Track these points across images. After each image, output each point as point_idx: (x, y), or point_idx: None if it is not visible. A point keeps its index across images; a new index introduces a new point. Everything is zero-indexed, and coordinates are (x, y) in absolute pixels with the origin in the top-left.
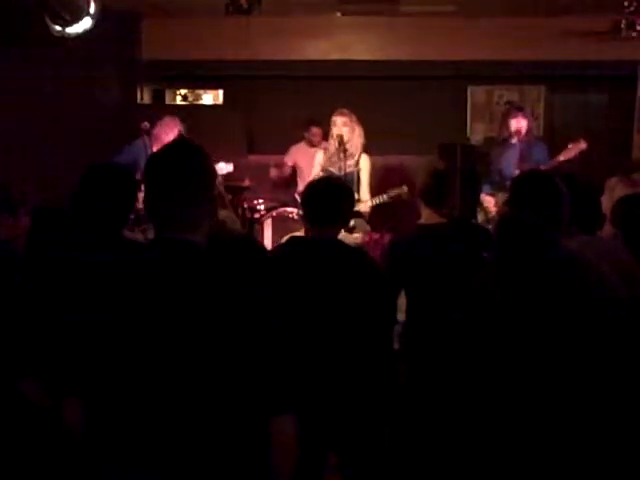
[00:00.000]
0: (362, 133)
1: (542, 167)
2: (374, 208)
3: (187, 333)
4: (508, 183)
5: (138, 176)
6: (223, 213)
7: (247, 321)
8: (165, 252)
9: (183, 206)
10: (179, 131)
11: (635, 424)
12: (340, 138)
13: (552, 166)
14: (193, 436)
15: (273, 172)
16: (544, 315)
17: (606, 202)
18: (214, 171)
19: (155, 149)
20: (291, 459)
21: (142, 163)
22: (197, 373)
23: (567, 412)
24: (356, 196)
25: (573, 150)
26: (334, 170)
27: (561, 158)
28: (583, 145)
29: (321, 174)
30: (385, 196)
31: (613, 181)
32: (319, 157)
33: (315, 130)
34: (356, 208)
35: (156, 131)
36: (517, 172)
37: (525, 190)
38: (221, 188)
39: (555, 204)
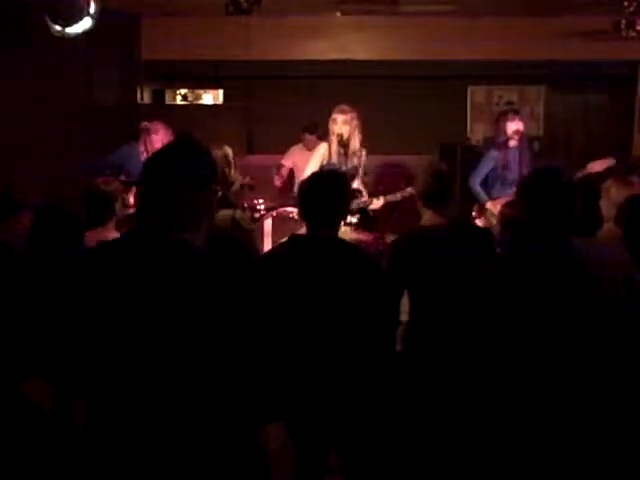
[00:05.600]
0: (360, 127)
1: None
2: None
3: (180, 334)
4: (511, 187)
5: (123, 178)
6: (238, 212)
7: (237, 327)
8: (161, 252)
9: (182, 204)
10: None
11: (634, 423)
12: (340, 137)
13: (579, 177)
14: (185, 441)
15: (277, 181)
16: (549, 314)
17: (603, 204)
18: (214, 170)
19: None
20: (284, 464)
21: (133, 166)
22: (187, 375)
23: (569, 410)
24: (362, 190)
25: (602, 164)
26: (337, 163)
27: (589, 170)
28: (612, 162)
29: (319, 168)
30: (399, 195)
31: (608, 182)
32: (321, 150)
33: (309, 137)
34: (368, 204)
35: (151, 138)
36: (518, 176)
37: (540, 187)
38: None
39: (570, 203)
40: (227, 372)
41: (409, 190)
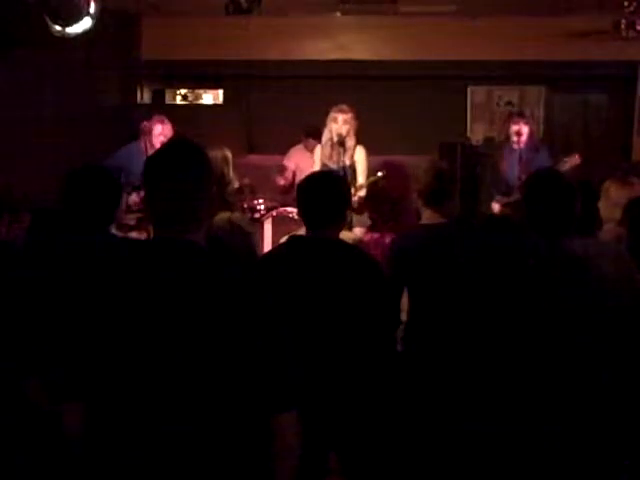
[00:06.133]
0: (356, 127)
1: None
2: (372, 204)
3: (187, 332)
4: (511, 187)
5: (123, 179)
6: (235, 215)
7: (248, 319)
8: (165, 252)
9: (182, 204)
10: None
11: (633, 423)
12: (340, 136)
13: None
14: (195, 434)
15: (280, 181)
16: (548, 314)
17: (602, 204)
18: (212, 170)
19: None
20: (294, 458)
21: (135, 166)
22: (197, 372)
23: (569, 411)
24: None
25: (568, 164)
26: (332, 165)
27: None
28: (577, 160)
29: (318, 169)
30: (364, 182)
31: (608, 183)
32: (318, 153)
33: (312, 141)
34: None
35: (150, 137)
36: (520, 177)
37: (541, 188)
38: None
39: (570, 202)
40: (242, 366)
41: (372, 178)
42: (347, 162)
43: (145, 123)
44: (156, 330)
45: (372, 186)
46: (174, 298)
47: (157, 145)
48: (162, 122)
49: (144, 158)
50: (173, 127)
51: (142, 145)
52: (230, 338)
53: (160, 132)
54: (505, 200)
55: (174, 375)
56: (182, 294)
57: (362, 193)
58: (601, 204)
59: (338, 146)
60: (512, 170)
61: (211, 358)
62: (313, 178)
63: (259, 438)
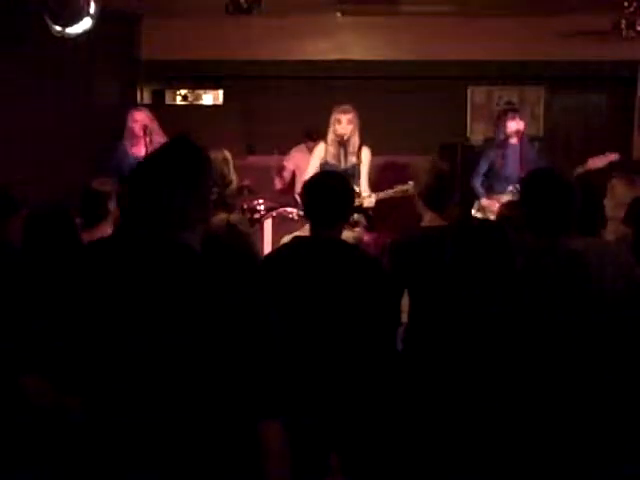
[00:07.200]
0: (359, 126)
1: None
2: (377, 203)
3: (178, 333)
4: (511, 186)
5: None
6: (233, 216)
7: (238, 325)
8: (160, 253)
9: (179, 204)
10: (143, 120)
11: (633, 420)
12: (341, 137)
13: (579, 173)
14: (184, 438)
15: (278, 183)
16: (545, 315)
17: (608, 203)
18: (212, 171)
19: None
20: (281, 462)
21: (125, 166)
22: (185, 374)
23: (568, 411)
24: (356, 189)
25: (603, 160)
26: (335, 163)
27: (590, 166)
28: (614, 157)
29: (319, 168)
30: (391, 191)
31: (613, 181)
32: (319, 150)
33: (311, 144)
34: (361, 202)
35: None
36: (520, 174)
37: (539, 188)
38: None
39: (568, 201)
40: (229, 370)
41: (401, 187)
42: (354, 161)
43: (145, 124)
44: (145, 330)
45: (400, 194)
46: (167, 299)
47: (137, 131)
48: (137, 109)
49: (131, 158)
50: (172, 127)
51: (126, 145)
52: (219, 341)
53: (134, 118)
54: (499, 197)
55: (163, 375)
56: (174, 295)
57: (372, 201)
58: (606, 203)
59: (343, 147)
60: (512, 168)
61: (200, 360)
62: (318, 178)
63: (251, 440)
